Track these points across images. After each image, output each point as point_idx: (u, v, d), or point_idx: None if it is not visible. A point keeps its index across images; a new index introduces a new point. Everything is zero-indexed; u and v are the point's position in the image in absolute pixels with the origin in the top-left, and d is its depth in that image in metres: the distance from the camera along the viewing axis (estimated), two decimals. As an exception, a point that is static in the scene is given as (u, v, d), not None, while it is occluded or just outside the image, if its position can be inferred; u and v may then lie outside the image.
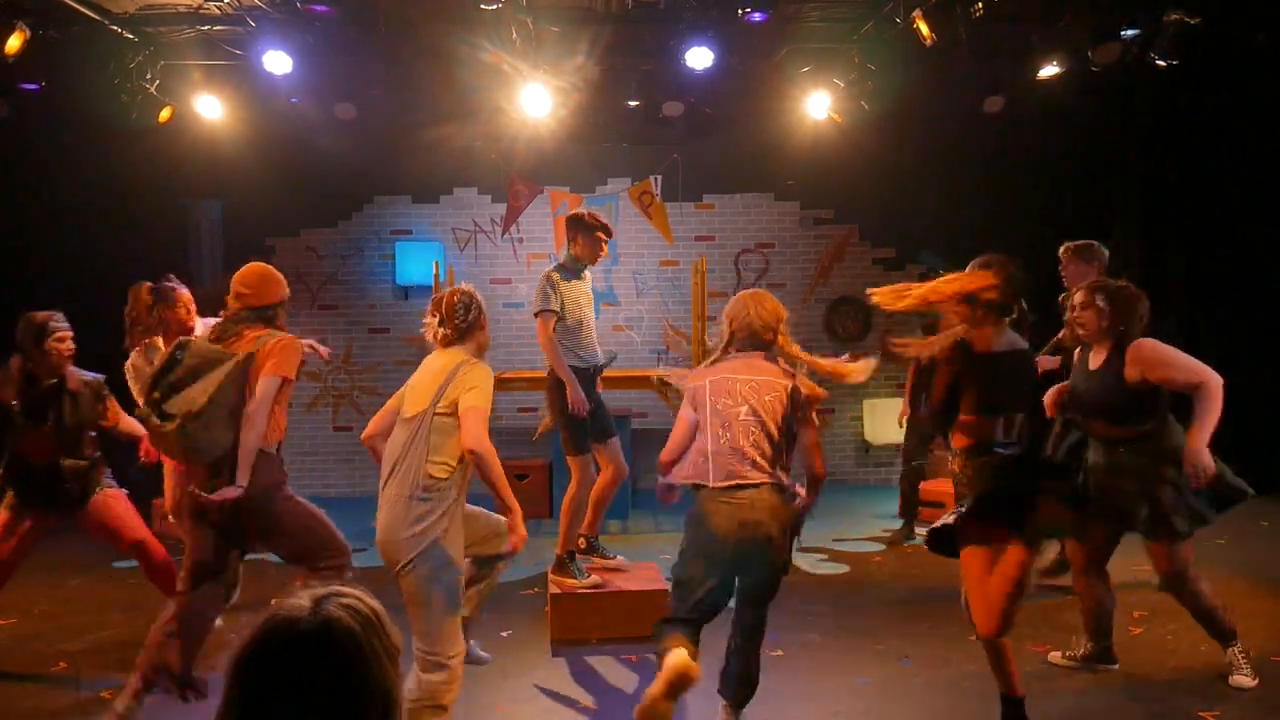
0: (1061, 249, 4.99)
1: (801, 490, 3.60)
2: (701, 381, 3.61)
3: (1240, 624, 4.92)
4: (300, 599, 1.37)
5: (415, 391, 3.56)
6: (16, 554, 4.55)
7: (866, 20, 6.84)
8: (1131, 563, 6.10)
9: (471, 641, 4.03)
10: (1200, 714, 3.91)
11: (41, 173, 8.06)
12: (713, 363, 3.68)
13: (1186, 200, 8.13)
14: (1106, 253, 4.88)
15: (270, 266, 4.11)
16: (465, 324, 3.61)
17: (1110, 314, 4.04)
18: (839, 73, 7.37)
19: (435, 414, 3.43)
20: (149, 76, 6.86)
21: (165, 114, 7.22)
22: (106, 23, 6.47)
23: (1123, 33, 6.38)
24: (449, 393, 3.45)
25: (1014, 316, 3.59)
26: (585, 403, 4.99)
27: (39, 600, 5.68)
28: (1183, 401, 4.08)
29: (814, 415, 3.62)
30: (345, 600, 1.38)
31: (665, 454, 3.64)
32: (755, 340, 3.63)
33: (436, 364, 3.59)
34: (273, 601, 1.41)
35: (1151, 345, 4.02)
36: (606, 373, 5.56)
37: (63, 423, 4.41)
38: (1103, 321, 4.05)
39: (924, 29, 6.30)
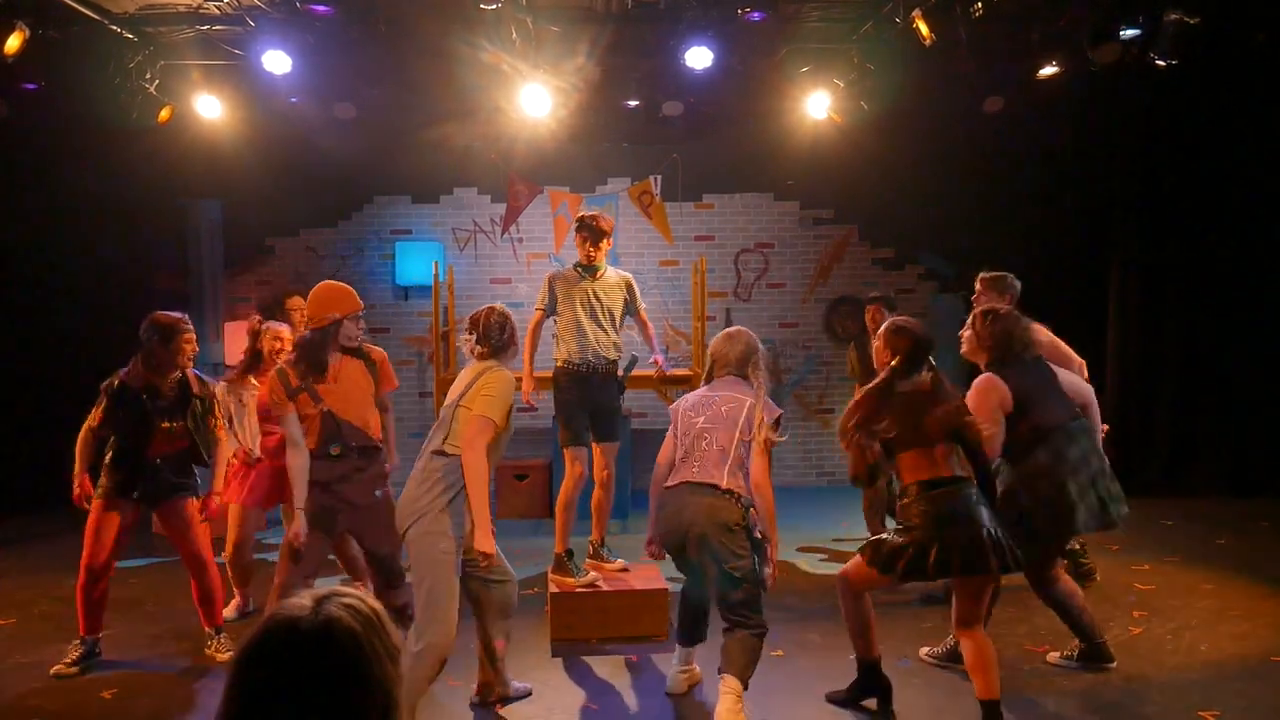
0: (978, 278, 5.16)
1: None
2: (682, 400, 4.11)
3: (1240, 624, 4.95)
4: (301, 599, 1.37)
5: (452, 389, 3.96)
6: (118, 546, 4.62)
7: (866, 20, 6.83)
8: (1130, 562, 6.12)
9: (507, 676, 4.20)
10: (1200, 714, 3.91)
11: (41, 173, 8.05)
12: (704, 383, 4.16)
13: (1186, 200, 8.13)
14: (1019, 285, 5.12)
15: (333, 283, 4.33)
16: (500, 343, 3.95)
17: (984, 338, 4.23)
18: (839, 73, 7.36)
19: (460, 405, 3.81)
20: (149, 76, 6.85)
21: (164, 114, 7.21)
22: (106, 23, 6.46)
23: (1123, 33, 6.37)
24: (474, 389, 3.82)
25: (923, 370, 3.78)
26: (528, 394, 5.25)
27: (39, 600, 5.68)
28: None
29: (769, 435, 3.88)
30: (346, 600, 1.38)
31: (660, 458, 4.08)
32: (730, 370, 4.06)
33: (470, 369, 3.97)
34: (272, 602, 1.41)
35: (981, 381, 4.13)
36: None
37: (191, 422, 4.65)
38: (976, 344, 4.27)
39: (924, 29, 6.29)
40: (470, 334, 3.96)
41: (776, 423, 3.92)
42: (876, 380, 3.80)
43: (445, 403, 3.94)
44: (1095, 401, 4.47)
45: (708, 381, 4.12)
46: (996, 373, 4.14)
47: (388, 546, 4.18)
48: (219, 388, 5.10)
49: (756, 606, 3.82)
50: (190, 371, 4.68)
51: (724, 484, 3.81)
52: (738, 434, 3.87)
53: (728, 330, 4.19)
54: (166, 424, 4.57)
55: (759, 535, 3.86)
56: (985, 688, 3.68)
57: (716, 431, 3.88)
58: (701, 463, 3.86)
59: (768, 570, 3.85)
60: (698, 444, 3.90)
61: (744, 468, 3.86)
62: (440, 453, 3.76)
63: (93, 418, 4.58)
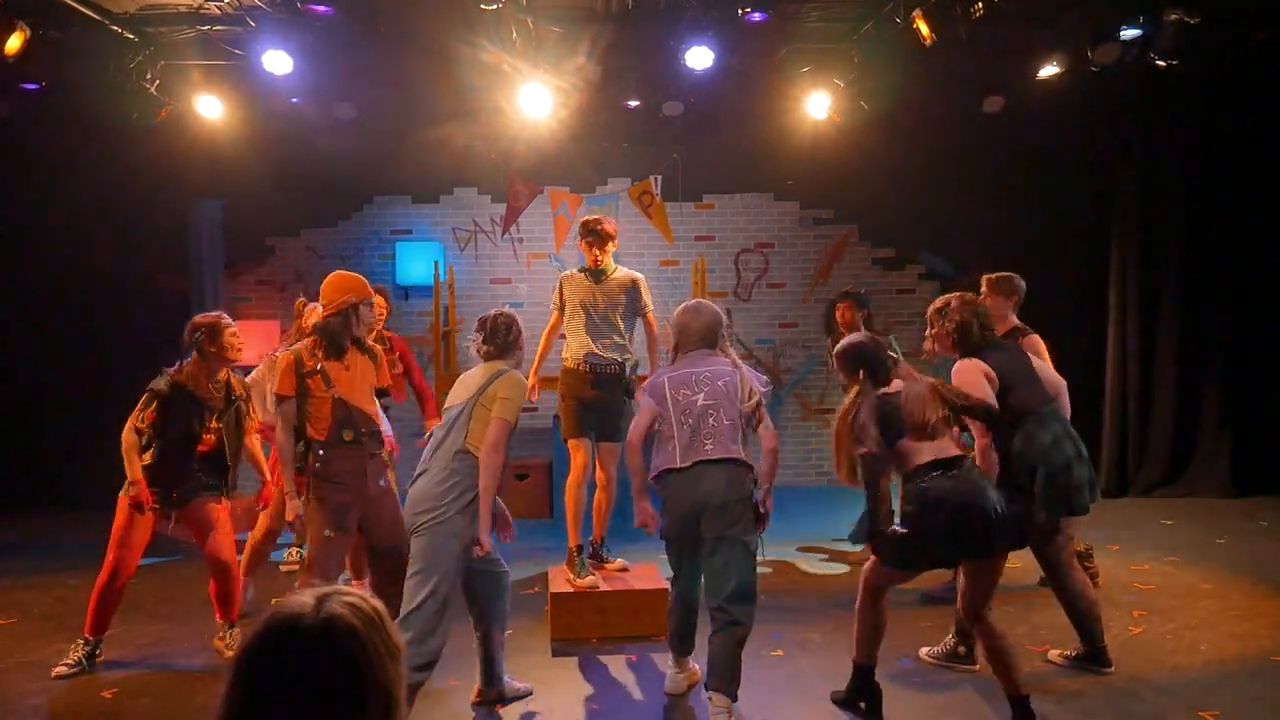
0: (984, 279, 5.17)
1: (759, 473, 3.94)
2: (661, 379, 4.06)
3: (1240, 624, 4.95)
4: (303, 596, 1.37)
5: (458, 390, 4.01)
6: (140, 545, 4.67)
7: (866, 20, 6.83)
8: (1130, 562, 6.12)
9: (507, 676, 4.22)
10: (1200, 714, 3.91)
11: (42, 173, 8.06)
12: (671, 363, 4.14)
13: (1186, 200, 8.13)
14: (1024, 286, 5.10)
15: (345, 272, 4.38)
16: (505, 343, 4.03)
17: (944, 334, 4.23)
18: (839, 73, 7.36)
19: (478, 404, 3.87)
20: (149, 76, 6.85)
21: (162, 113, 7.21)
22: (106, 23, 6.46)
23: (1123, 33, 6.37)
24: (490, 390, 3.89)
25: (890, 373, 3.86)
26: (533, 389, 5.32)
27: (39, 600, 5.68)
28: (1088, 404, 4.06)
29: (759, 401, 3.96)
30: (347, 599, 1.38)
31: (632, 435, 4.06)
32: (702, 343, 4.05)
33: (479, 370, 4.02)
34: (274, 601, 1.41)
35: (960, 364, 4.15)
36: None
37: (232, 420, 4.73)
38: (939, 342, 4.29)
39: (924, 29, 6.30)
40: (478, 333, 4.05)
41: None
42: (848, 404, 3.81)
43: (455, 400, 3.96)
44: (1066, 392, 4.52)
45: (674, 355, 4.12)
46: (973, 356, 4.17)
47: (394, 540, 4.20)
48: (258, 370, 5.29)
49: (752, 596, 3.82)
50: (232, 373, 4.78)
51: (742, 456, 3.85)
52: (739, 406, 3.91)
53: (689, 303, 4.21)
54: (216, 424, 4.68)
55: (761, 510, 3.89)
56: (1008, 683, 3.68)
57: (722, 407, 3.89)
58: (716, 439, 3.85)
59: (763, 499, 3.91)
60: (704, 422, 3.88)
61: (746, 437, 3.93)
62: (464, 452, 3.82)
63: (140, 420, 4.57)
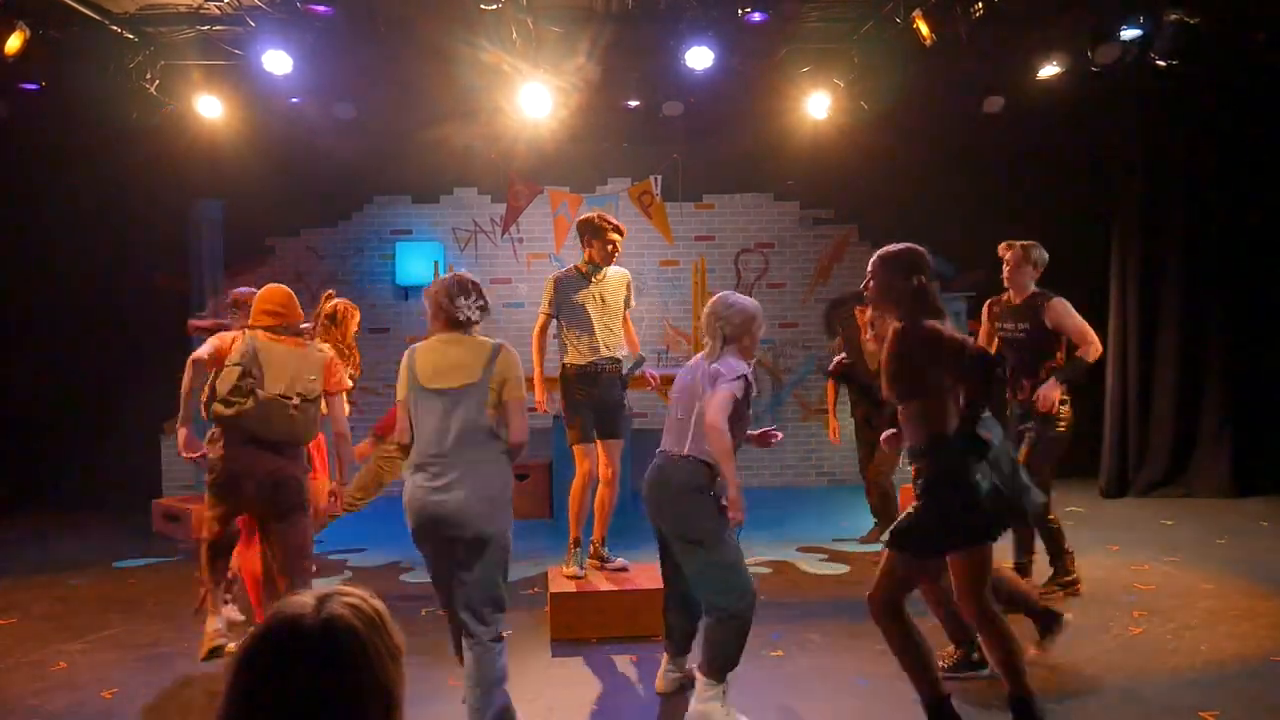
0: (1017, 244, 5.33)
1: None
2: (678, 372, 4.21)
3: (1240, 624, 4.94)
4: (304, 597, 1.37)
5: (449, 371, 3.67)
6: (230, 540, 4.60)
7: (866, 20, 6.84)
8: (1130, 562, 6.12)
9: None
10: (1200, 714, 3.91)
11: (42, 173, 8.06)
12: None
13: (1186, 200, 8.13)
14: (1046, 256, 5.32)
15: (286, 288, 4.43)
16: (487, 304, 3.85)
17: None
18: (839, 73, 7.37)
19: (489, 388, 3.63)
20: (149, 76, 6.86)
21: (162, 112, 7.22)
22: (106, 23, 6.47)
23: (1123, 33, 6.38)
24: (497, 372, 3.65)
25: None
26: (543, 402, 5.36)
27: (39, 600, 5.68)
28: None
29: (719, 394, 3.70)
30: (348, 599, 1.38)
31: None
32: (706, 340, 4.05)
33: (465, 347, 3.72)
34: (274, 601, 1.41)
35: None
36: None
37: None
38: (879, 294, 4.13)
39: (924, 29, 6.30)
40: (463, 297, 3.71)
41: (742, 381, 3.79)
42: (929, 328, 3.51)
43: (451, 383, 3.64)
44: None
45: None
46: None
47: None
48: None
49: (724, 583, 3.79)
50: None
51: (684, 451, 3.86)
52: (698, 402, 3.86)
53: (710, 300, 4.14)
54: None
55: (724, 502, 3.78)
56: (1015, 682, 3.52)
57: (681, 401, 3.97)
58: (674, 433, 3.96)
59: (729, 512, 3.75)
60: (671, 414, 4.02)
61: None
62: (496, 437, 3.64)
63: None
